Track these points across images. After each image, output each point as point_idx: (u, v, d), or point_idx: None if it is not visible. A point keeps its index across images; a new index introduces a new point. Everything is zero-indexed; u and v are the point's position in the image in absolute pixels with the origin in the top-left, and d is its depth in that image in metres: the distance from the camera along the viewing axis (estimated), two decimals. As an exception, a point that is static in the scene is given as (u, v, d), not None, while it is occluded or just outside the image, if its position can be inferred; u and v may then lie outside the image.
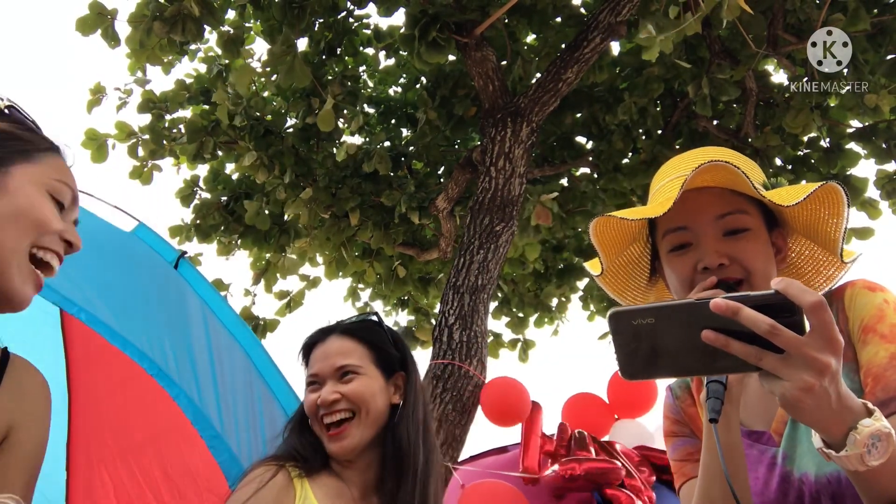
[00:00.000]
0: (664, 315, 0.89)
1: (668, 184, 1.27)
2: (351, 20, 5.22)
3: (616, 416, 3.92)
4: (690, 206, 1.21)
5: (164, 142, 5.61)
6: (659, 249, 1.30)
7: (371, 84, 6.22)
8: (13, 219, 1.08)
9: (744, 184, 1.17)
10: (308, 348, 1.63)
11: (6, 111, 1.19)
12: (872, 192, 5.29)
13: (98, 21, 4.42)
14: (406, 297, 6.98)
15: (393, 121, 6.22)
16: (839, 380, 0.87)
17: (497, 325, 7.04)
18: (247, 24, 5.20)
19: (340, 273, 6.53)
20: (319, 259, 6.60)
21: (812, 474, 1.14)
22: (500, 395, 3.87)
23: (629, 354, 0.92)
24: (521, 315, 6.89)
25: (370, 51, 5.76)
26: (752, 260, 1.19)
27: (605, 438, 3.61)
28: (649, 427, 3.89)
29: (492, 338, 6.90)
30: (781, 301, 0.85)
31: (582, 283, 6.84)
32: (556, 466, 2.78)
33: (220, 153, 5.77)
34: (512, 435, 3.89)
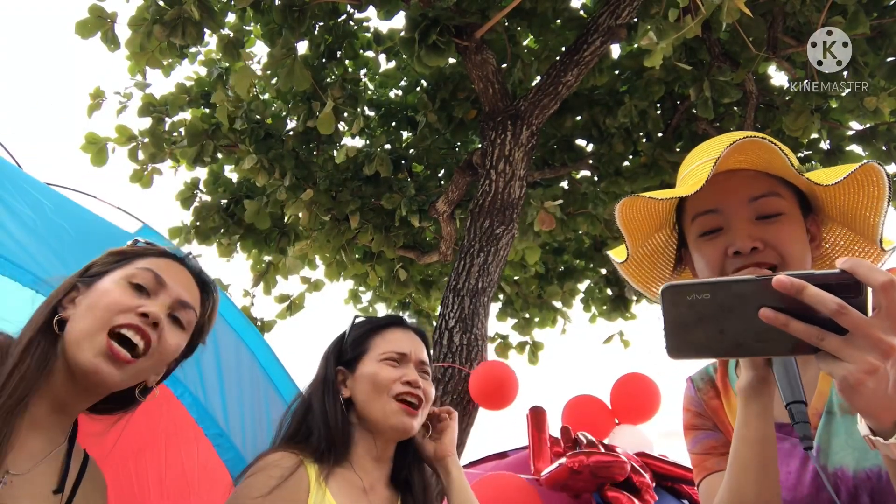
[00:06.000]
0: (721, 290, 0.85)
1: (699, 167, 1.21)
2: (351, 23, 5.23)
3: (616, 421, 3.91)
4: (721, 189, 1.16)
5: (165, 145, 5.61)
6: (686, 236, 1.26)
7: (371, 87, 6.23)
8: (89, 311, 1.26)
9: (780, 163, 1.12)
10: (380, 328, 1.71)
11: (136, 243, 1.45)
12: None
13: (98, 24, 4.42)
14: (407, 300, 6.98)
15: (393, 124, 6.23)
16: None
17: (504, 327, 7.04)
18: (247, 28, 5.20)
19: (342, 275, 6.54)
20: (319, 262, 6.60)
21: (851, 469, 1.11)
22: (487, 378, 3.88)
23: (679, 331, 0.88)
24: (526, 316, 6.89)
25: (370, 54, 5.77)
26: (788, 244, 1.13)
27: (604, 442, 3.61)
28: (649, 434, 3.87)
29: (499, 340, 6.91)
30: (846, 281, 0.82)
31: (583, 286, 6.84)
32: (562, 459, 2.76)
33: (220, 156, 5.78)
34: (512, 440, 3.89)
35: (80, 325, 1.25)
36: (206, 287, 1.48)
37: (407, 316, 1.79)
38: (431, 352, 1.80)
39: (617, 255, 1.34)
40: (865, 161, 1.11)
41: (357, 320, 1.77)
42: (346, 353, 1.69)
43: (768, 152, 1.11)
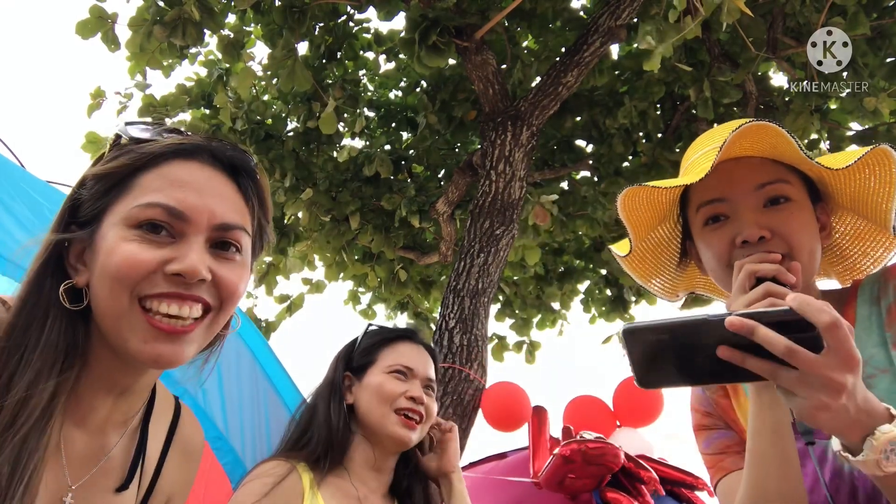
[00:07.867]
0: (679, 332, 0.88)
1: (702, 156, 1.17)
2: (351, 24, 5.23)
3: (618, 423, 3.90)
4: (727, 177, 1.13)
5: (165, 146, 5.61)
6: (691, 227, 1.23)
7: (371, 88, 6.23)
8: (102, 279, 0.90)
9: (788, 147, 1.08)
10: (391, 340, 1.74)
11: (118, 141, 0.97)
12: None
13: (98, 25, 4.42)
14: (406, 301, 6.98)
15: (393, 124, 6.23)
16: (857, 392, 0.85)
17: (501, 327, 7.01)
18: (247, 28, 5.20)
19: (341, 275, 6.53)
20: (319, 263, 6.60)
21: None
22: (501, 401, 3.86)
23: (645, 366, 0.91)
24: (524, 317, 6.89)
25: (370, 55, 5.77)
26: (796, 233, 1.10)
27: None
28: (650, 437, 3.87)
29: (496, 341, 6.90)
30: (796, 318, 0.84)
31: (583, 286, 6.84)
32: (556, 450, 2.76)
33: (220, 157, 5.77)
34: (512, 440, 3.88)
35: (105, 299, 0.89)
36: (242, 174, 0.97)
37: (406, 317, 1.81)
38: (439, 368, 1.81)
39: (620, 248, 1.32)
40: (876, 144, 1.09)
41: (370, 328, 1.80)
42: (355, 360, 1.73)
43: (776, 136, 1.08)
